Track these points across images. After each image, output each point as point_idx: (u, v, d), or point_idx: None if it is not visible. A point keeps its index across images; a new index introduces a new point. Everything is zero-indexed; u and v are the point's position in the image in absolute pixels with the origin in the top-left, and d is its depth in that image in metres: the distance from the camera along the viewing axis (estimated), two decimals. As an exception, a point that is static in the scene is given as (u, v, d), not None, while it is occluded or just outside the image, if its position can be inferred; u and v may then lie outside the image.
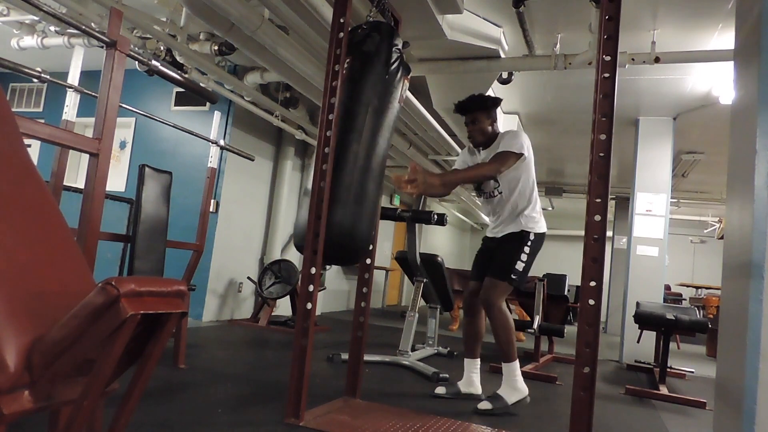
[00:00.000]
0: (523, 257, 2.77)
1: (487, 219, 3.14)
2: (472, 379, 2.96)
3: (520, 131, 2.87)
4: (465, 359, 2.98)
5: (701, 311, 7.01)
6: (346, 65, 2.42)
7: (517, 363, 2.77)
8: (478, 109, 2.88)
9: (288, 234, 6.29)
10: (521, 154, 2.73)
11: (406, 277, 9.75)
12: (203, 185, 3.38)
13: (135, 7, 3.45)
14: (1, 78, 6.00)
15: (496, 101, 2.95)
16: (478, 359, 2.98)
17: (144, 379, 1.18)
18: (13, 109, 1.45)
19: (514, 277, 2.74)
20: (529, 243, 2.79)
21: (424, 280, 4.20)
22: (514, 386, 2.74)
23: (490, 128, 2.90)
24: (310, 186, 2.37)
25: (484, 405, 2.68)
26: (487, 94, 3.01)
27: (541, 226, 2.87)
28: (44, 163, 3.75)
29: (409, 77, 2.64)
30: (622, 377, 4.30)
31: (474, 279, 2.94)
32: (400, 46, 2.53)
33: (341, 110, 2.38)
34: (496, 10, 3.70)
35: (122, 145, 5.57)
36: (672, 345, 5.88)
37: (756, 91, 1.37)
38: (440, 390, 2.93)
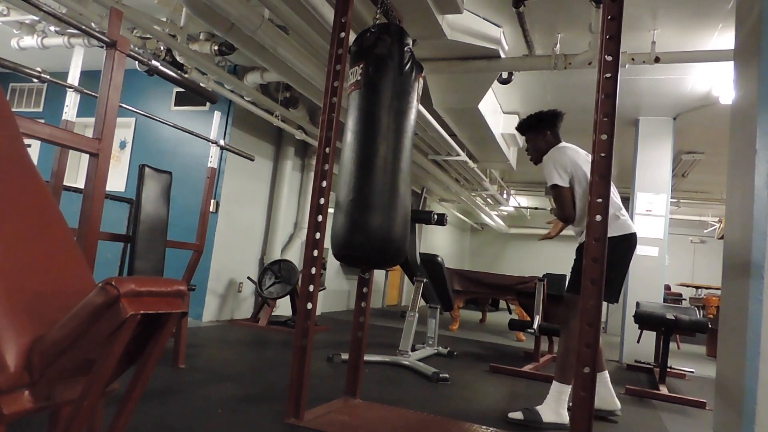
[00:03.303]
0: None
1: None
2: (601, 394, 2.83)
3: (549, 157, 2.79)
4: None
5: (701, 311, 7.01)
6: (359, 70, 2.43)
7: (567, 388, 2.57)
8: (527, 130, 2.99)
9: (288, 234, 6.29)
10: (554, 186, 2.71)
11: (406, 277, 9.75)
12: (203, 185, 3.38)
13: (135, 7, 3.45)
14: (1, 78, 6.00)
15: (542, 117, 2.93)
16: (603, 372, 2.84)
17: (144, 379, 1.18)
18: (13, 109, 1.45)
19: None
20: None
21: (424, 280, 4.20)
22: (556, 410, 2.58)
23: (544, 145, 2.90)
24: (341, 197, 2.37)
25: (515, 414, 2.59)
26: (541, 111, 3.02)
27: (616, 229, 2.64)
28: (44, 163, 3.76)
29: (422, 75, 2.64)
30: (622, 377, 4.30)
31: None
32: (411, 46, 2.53)
33: (363, 116, 2.39)
34: (496, 10, 3.70)
35: (122, 145, 5.57)
36: (672, 345, 5.89)
37: (756, 91, 1.37)
38: (516, 415, 2.64)
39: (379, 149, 2.36)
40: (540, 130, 2.92)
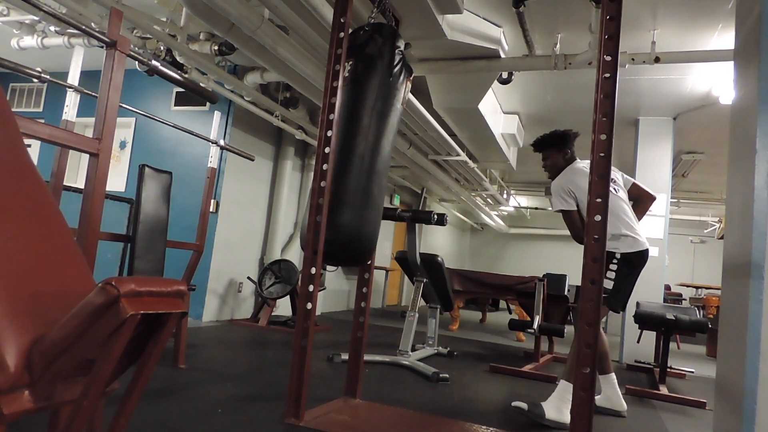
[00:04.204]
0: (610, 274, 2.75)
1: None
2: (608, 394, 2.95)
3: (553, 185, 2.86)
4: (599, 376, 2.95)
5: (701, 311, 7.00)
6: (348, 67, 2.42)
7: (571, 387, 2.55)
8: (547, 147, 3.02)
9: (288, 234, 6.29)
10: (560, 210, 2.78)
11: (406, 277, 9.74)
12: (203, 185, 3.38)
13: (135, 7, 3.45)
14: (1, 78, 6.00)
15: (565, 136, 2.97)
16: (610, 373, 2.96)
17: (144, 379, 1.18)
18: (13, 109, 1.45)
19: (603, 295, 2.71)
20: (613, 262, 2.76)
21: (424, 280, 4.20)
22: (559, 408, 2.60)
23: (563, 162, 2.95)
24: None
25: (519, 403, 2.66)
26: (557, 129, 3.04)
27: (630, 245, 2.78)
28: (44, 163, 3.76)
29: (411, 78, 2.64)
30: (622, 377, 4.29)
31: None
32: (402, 48, 2.52)
33: (345, 113, 2.38)
34: (496, 10, 3.70)
35: (122, 145, 5.57)
36: (672, 345, 5.89)
37: (756, 91, 1.37)
38: (520, 404, 2.70)
39: (358, 147, 2.35)
40: (561, 148, 2.98)
